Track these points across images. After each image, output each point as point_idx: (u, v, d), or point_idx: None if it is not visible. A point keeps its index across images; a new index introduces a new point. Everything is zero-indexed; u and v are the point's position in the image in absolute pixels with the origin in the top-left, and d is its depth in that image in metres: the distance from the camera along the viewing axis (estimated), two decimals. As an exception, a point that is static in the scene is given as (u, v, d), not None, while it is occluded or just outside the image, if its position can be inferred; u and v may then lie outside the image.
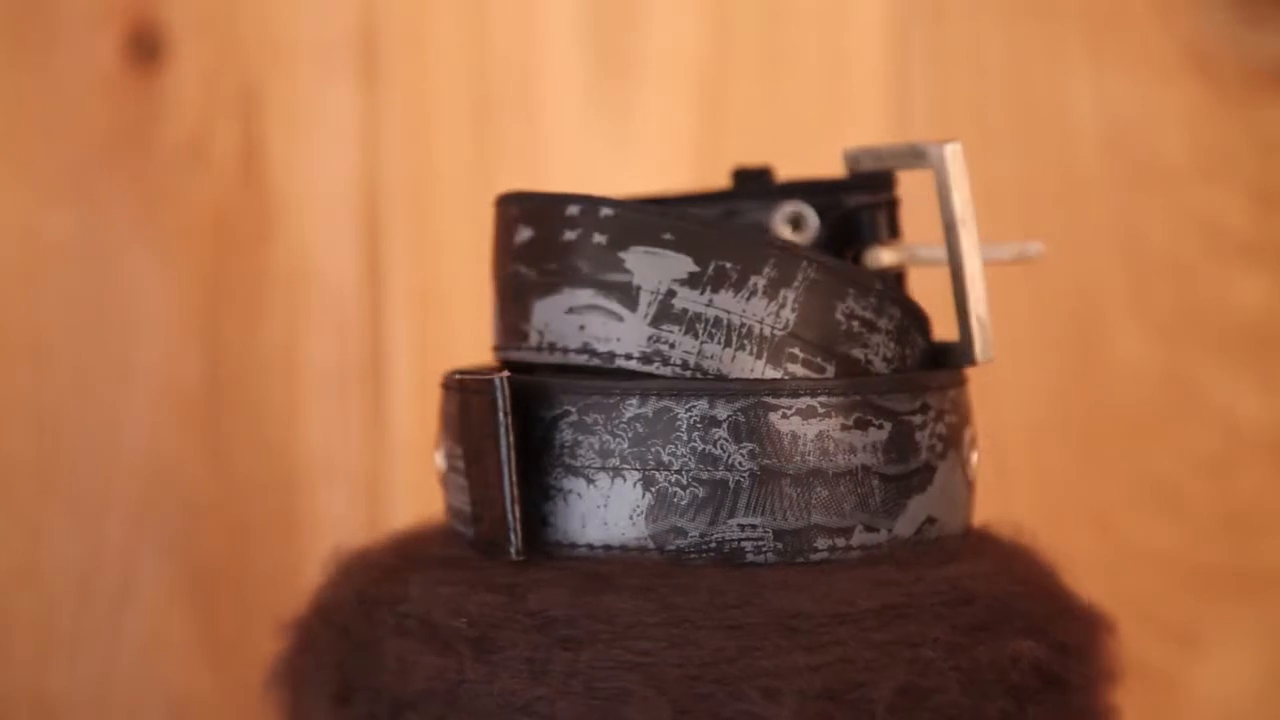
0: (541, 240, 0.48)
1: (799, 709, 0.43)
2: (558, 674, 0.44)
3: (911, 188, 0.53)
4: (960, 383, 0.50)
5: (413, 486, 0.71)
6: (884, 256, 0.52)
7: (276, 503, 0.71)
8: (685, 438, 0.46)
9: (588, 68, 0.72)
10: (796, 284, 0.47)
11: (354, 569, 0.49)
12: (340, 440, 0.71)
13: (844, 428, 0.47)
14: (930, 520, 0.48)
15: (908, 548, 0.48)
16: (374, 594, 0.47)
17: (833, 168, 0.72)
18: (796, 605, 0.45)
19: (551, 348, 0.48)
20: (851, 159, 0.53)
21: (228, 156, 0.71)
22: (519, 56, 0.72)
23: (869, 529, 0.47)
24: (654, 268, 0.47)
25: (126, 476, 0.70)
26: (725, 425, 0.46)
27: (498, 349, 0.50)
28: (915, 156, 0.51)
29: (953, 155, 0.50)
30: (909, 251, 0.53)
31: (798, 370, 0.47)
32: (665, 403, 0.46)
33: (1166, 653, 0.72)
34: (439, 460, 0.49)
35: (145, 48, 0.70)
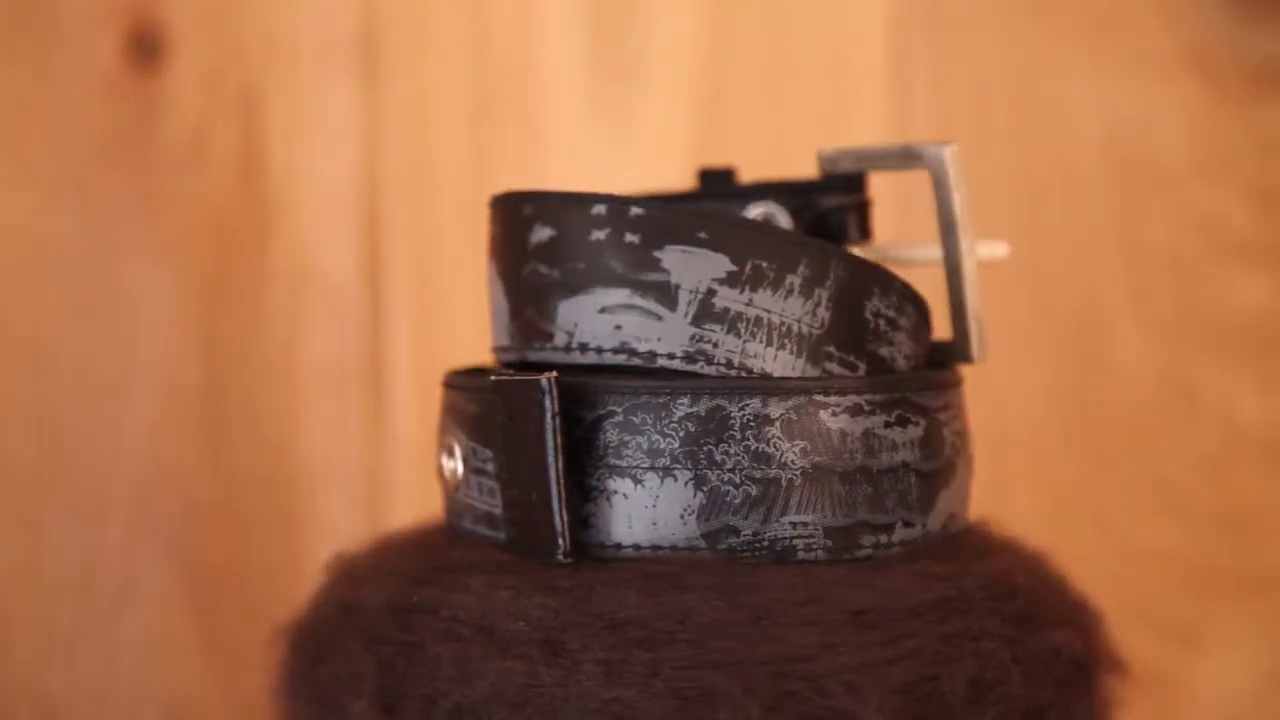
0: (564, 239, 0.47)
1: (881, 703, 0.43)
2: (638, 674, 0.44)
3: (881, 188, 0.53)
4: (962, 381, 0.50)
5: (412, 486, 0.71)
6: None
7: (276, 502, 0.71)
8: (738, 436, 0.46)
9: (587, 68, 0.72)
10: (828, 283, 0.47)
11: (369, 576, 0.49)
12: (340, 440, 0.71)
13: (887, 425, 0.47)
14: (952, 515, 0.49)
15: (938, 542, 0.48)
16: (409, 601, 0.47)
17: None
18: (863, 601, 0.45)
19: (583, 348, 0.47)
20: (828, 160, 0.53)
21: (228, 157, 0.71)
22: (519, 57, 0.72)
23: (907, 524, 0.48)
24: (692, 267, 0.47)
25: (126, 476, 0.70)
26: (778, 424, 0.46)
27: (508, 349, 0.49)
28: (909, 158, 0.51)
29: (952, 157, 0.50)
30: (881, 252, 0.53)
31: (834, 369, 0.47)
32: (718, 401, 0.46)
33: (1166, 653, 0.72)
34: (448, 463, 0.49)
35: (145, 48, 0.70)
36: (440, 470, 0.50)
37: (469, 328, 0.51)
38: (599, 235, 0.47)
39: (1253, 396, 0.72)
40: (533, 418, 0.46)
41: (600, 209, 0.47)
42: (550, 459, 0.45)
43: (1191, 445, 0.72)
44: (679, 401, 0.46)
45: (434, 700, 0.45)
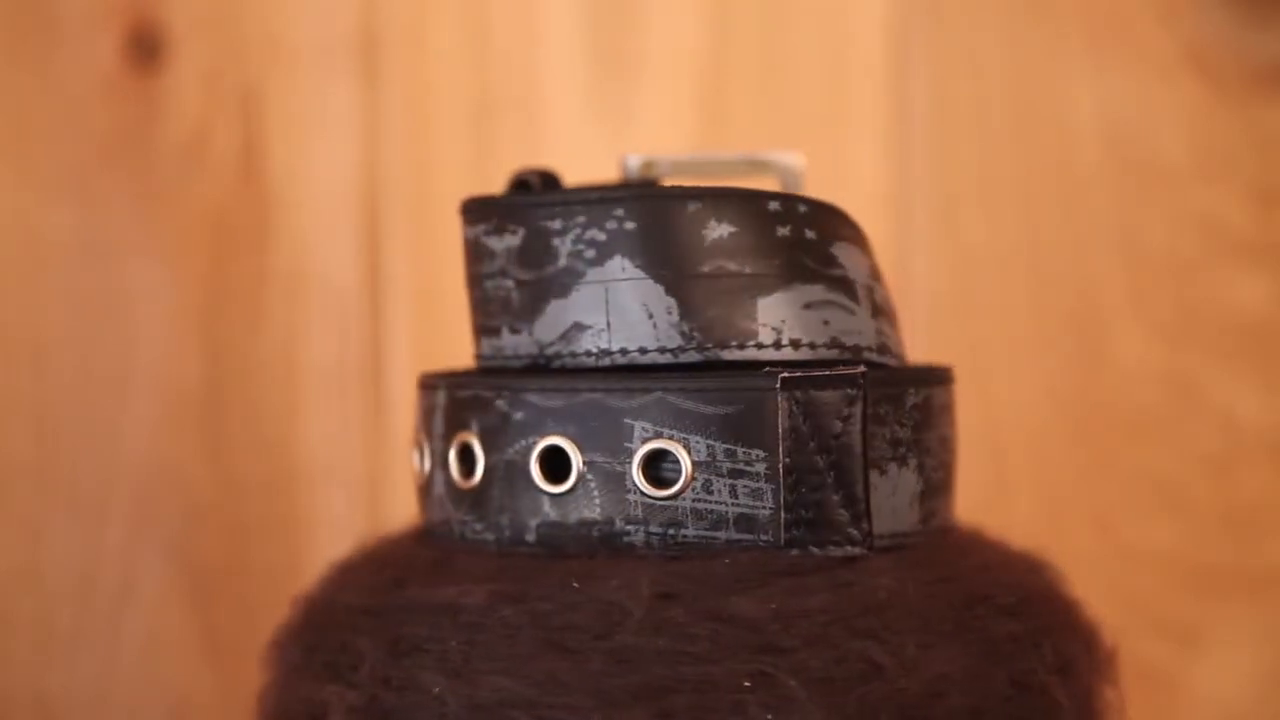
0: (750, 236, 0.47)
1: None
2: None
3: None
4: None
5: (412, 486, 0.71)
6: None
7: (276, 503, 0.71)
8: (937, 423, 0.49)
9: (588, 67, 0.72)
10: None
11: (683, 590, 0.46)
12: (340, 440, 0.71)
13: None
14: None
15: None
16: (727, 612, 0.45)
17: (833, 167, 0.72)
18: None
19: (795, 344, 0.47)
20: (642, 166, 0.53)
21: (228, 156, 0.71)
22: (519, 56, 0.72)
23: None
24: (856, 262, 0.48)
25: (126, 476, 0.70)
26: (949, 410, 0.49)
27: (671, 350, 0.48)
28: (756, 166, 0.52)
29: (801, 167, 0.51)
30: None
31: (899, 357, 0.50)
32: (929, 391, 0.49)
33: (1166, 653, 0.72)
34: (678, 466, 0.47)
35: (145, 48, 0.70)
36: (653, 478, 0.47)
37: (469, 328, 0.50)
38: (784, 232, 0.47)
39: (1253, 396, 0.72)
40: (839, 414, 0.46)
41: (775, 205, 0.48)
42: (858, 451, 0.46)
43: (1191, 445, 0.72)
44: (909, 392, 0.48)
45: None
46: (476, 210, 0.50)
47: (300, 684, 0.48)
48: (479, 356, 0.50)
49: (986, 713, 0.45)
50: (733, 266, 0.47)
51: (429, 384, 0.50)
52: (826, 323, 0.47)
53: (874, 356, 0.48)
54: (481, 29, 0.72)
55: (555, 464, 0.47)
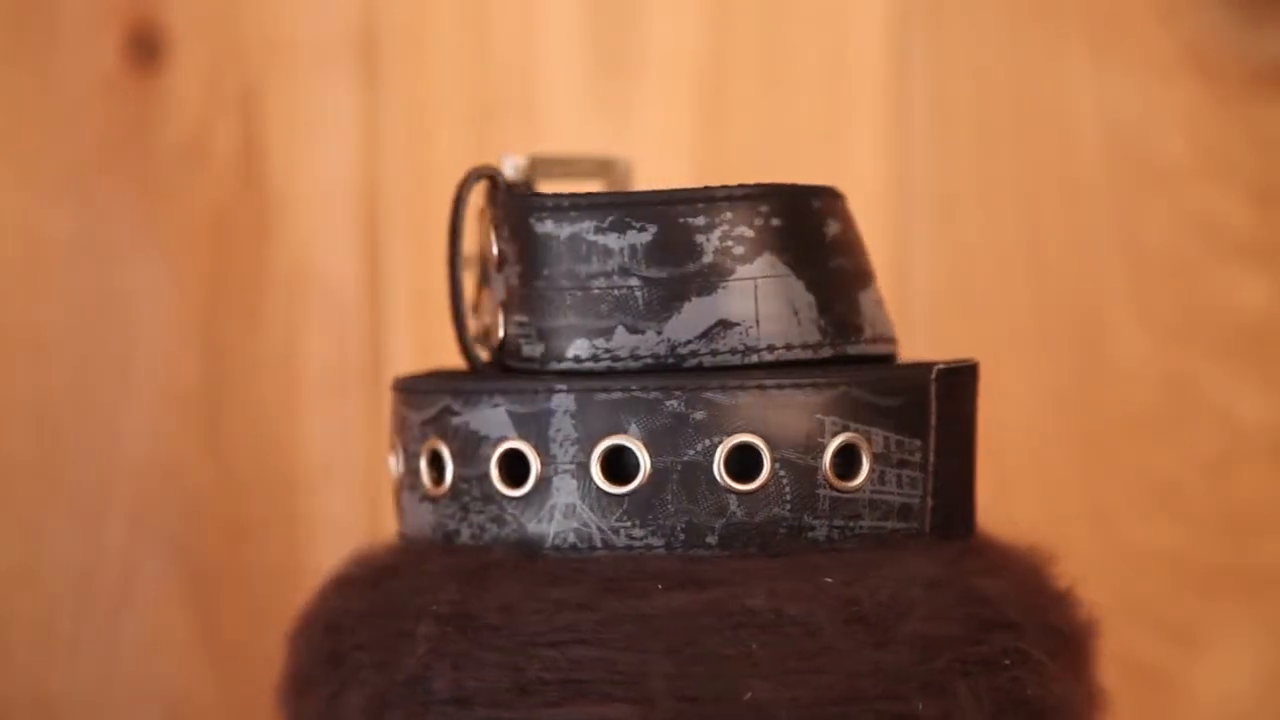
0: (849, 234, 0.49)
1: None
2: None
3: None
4: None
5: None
6: None
7: (276, 503, 0.71)
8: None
9: (588, 67, 0.72)
10: None
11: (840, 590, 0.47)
12: (340, 440, 0.71)
13: None
14: None
15: None
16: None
17: (833, 167, 0.72)
18: None
19: (877, 339, 0.49)
20: (532, 165, 0.53)
21: (228, 157, 0.71)
22: (519, 56, 0.72)
23: None
24: None
25: (126, 476, 0.70)
26: None
27: (813, 345, 0.48)
28: (601, 165, 0.52)
29: (628, 166, 0.52)
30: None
31: None
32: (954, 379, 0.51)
33: (1166, 653, 0.72)
34: (872, 455, 0.48)
35: (145, 48, 0.70)
36: (840, 473, 0.47)
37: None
38: (856, 230, 0.50)
39: (1253, 396, 0.72)
40: (967, 403, 0.49)
41: (847, 203, 0.49)
42: (973, 441, 0.49)
43: (1192, 445, 0.72)
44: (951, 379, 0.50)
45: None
46: (586, 206, 0.48)
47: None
48: (550, 359, 0.48)
49: None
50: (845, 264, 0.49)
51: (539, 389, 0.47)
52: (885, 319, 0.50)
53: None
54: (481, 29, 0.72)
55: (743, 462, 0.47)
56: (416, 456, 0.49)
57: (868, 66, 0.72)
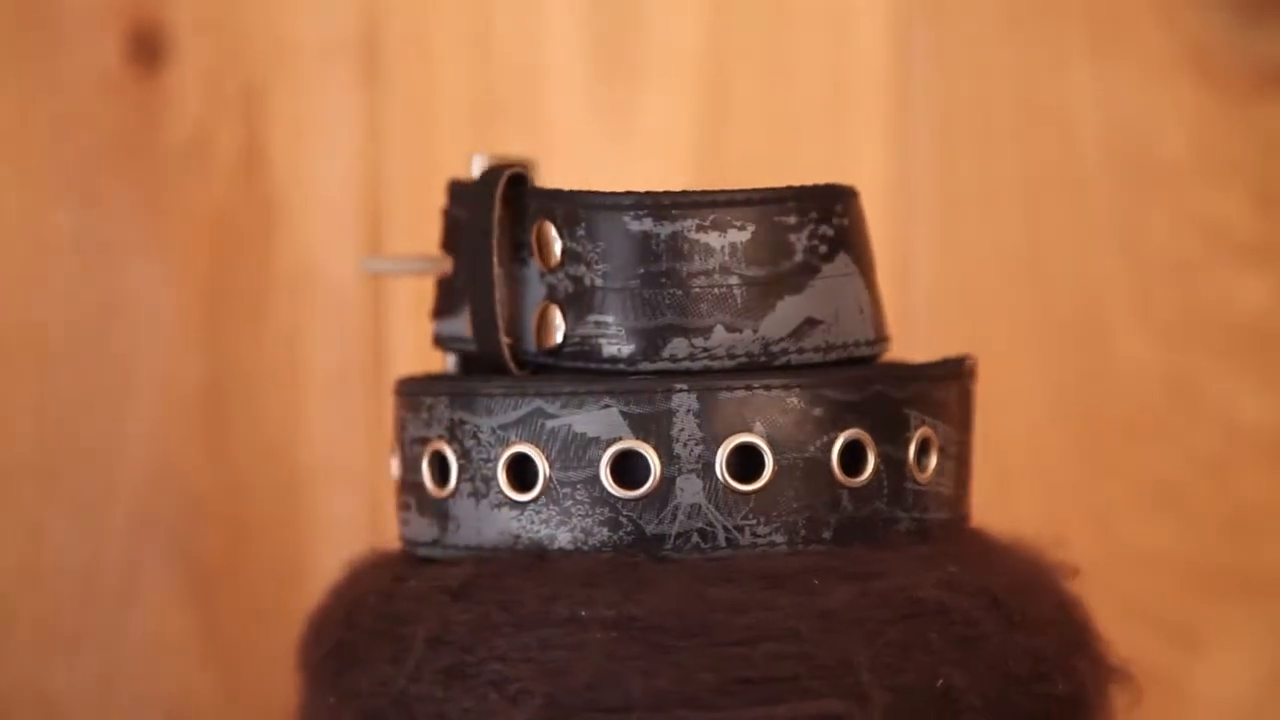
0: (868, 233, 0.51)
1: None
2: None
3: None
4: None
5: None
6: None
7: (278, 503, 0.71)
8: None
9: (589, 68, 0.72)
10: None
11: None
12: (342, 441, 0.71)
13: None
14: None
15: None
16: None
17: (834, 167, 0.72)
18: None
19: (888, 337, 0.51)
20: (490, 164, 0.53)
21: (230, 157, 0.71)
22: (520, 57, 0.72)
23: None
24: None
25: (128, 477, 0.71)
26: None
27: (875, 342, 0.49)
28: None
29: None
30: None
31: None
32: None
33: (1166, 653, 0.72)
34: (927, 454, 0.49)
35: (147, 48, 0.71)
36: (919, 466, 0.49)
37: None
38: None
39: (1254, 397, 0.72)
40: (971, 398, 0.51)
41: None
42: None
43: (1192, 445, 0.72)
44: None
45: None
46: (688, 205, 0.48)
47: None
48: (640, 359, 0.48)
49: None
50: (872, 262, 0.50)
51: (656, 389, 0.47)
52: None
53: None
54: (483, 30, 0.72)
55: (851, 457, 0.47)
56: (488, 463, 0.48)
57: (869, 67, 0.72)
